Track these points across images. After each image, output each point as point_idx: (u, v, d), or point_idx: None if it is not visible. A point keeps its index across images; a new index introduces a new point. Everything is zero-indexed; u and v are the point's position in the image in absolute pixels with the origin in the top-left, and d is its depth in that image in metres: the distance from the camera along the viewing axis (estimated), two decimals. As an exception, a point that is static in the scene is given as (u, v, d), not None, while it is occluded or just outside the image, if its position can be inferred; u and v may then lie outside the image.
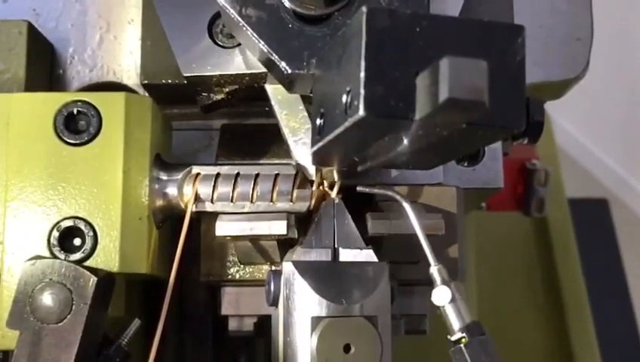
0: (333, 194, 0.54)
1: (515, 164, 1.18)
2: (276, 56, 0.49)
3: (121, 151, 0.54)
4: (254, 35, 0.49)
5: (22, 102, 0.55)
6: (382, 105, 0.38)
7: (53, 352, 0.49)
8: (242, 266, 0.59)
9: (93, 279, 0.50)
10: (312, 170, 0.53)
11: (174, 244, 0.55)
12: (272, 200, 0.55)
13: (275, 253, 0.56)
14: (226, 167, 0.56)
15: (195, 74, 0.55)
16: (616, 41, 1.95)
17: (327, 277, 0.50)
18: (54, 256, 0.52)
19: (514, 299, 1.28)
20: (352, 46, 0.40)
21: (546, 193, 1.18)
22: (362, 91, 0.38)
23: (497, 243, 1.29)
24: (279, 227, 0.53)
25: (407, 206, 0.51)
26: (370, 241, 0.55)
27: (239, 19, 0.49)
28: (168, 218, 0.57)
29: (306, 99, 0.53)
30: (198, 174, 0.56)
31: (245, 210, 0.55)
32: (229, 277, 0.58)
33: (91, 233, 0.53)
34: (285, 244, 0.57)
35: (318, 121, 0.45)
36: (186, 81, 0.56)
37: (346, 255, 0.52)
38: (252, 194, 0.55)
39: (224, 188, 0.55)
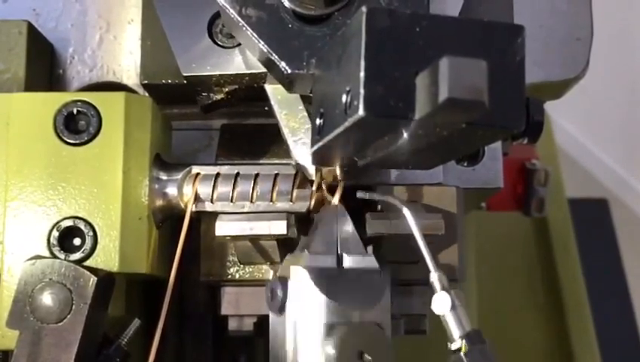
0: (335, 199, 0.54)
1: (515, 164, 1.18)
2: (276, 56, 0.49)
3: (120, 151, 0.54)
4: (254, 34, 0.49)
5: (22, 102, 0.55)
6: (381, 105, 0.38)
7: (53, 352, 0.49)
8: (242, 266, 0.59)
9: (93, 279, 0.50)
10: (311, 169, 0.53)
11: (174, 244, 0.55)
12: (271, 200, 0.55)
13: (274, 252, 0.56)
14: (226, 167, 0.56)
15: (195, 74, 0.55)
16: (616, 41, 1.95)
17: (338, 284, 0.49)
18: (54, 256, 0.52)
19: (514, 299, 1.28)
20: (351, 46, 0.40)
21: (546, 193, 1.18)
22: (362, 91, 0.38)
23: (497, 243, 1.29)
24: (279, 227, 0.53)
25: (407, 212, 0.50)
26: (370, 241, 0.55)
27: (239, 19, 0.49)
28: (168, 218, 0.57)
29: (306, 99, 0.53)
30: (197, 174, 0.56)
31: (245, 209, 0.55)
32: (229, 276, 0.58)
33: (91, 233, 0.53)
34: (285, 244, 0.57)
35: (318, 121, 0.45)
36: (185, 81, 0.56)
37: (350, 261, 0.52)
38: (252, 194, 0.55)
39: (224, 188, 0.55)
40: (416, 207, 0.57)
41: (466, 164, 0.62)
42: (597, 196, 1.97)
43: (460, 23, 0.40)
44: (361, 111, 0.38)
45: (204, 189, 0.55)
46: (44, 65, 0.63)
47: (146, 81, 0.59)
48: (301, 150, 0.53)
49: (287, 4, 0.49)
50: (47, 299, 0.50)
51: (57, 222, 0.53)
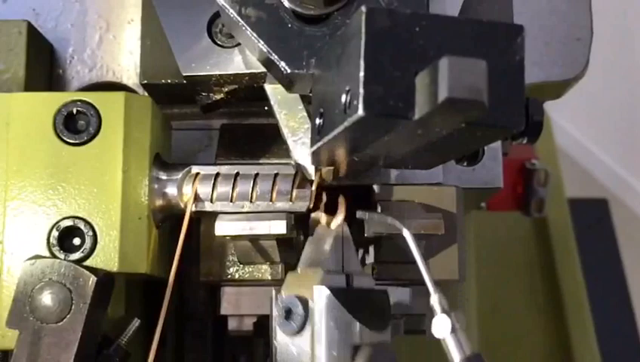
0: (338, 221, 0.53)
1: (514, 164, 1.18)
2: (276, 56, 0.49)
3: (120, 151, 0.54)
4: (254, 34, 0.49)
5: (22, 101, 0.55)
6: (381, 105, 0.38)
7: (53, 352, 0.49)
8: (242, 266, 0.59)
9: (92, 279, 0.50)
10: (311, 169, 0.53)
11: (174, 244, 0.55)
12: (271, 200, 0.55)
13: (274, 252, 0.56)
14: (226, 167, 0.56)
15: (195, 73, 0.55)
16: (616, 41, 1.95)
17: (357, 305, 0.49)
18: (54, 256, 0.52)
19: (514, 299, 1.28)
20: (351, 46, 0.40)
21: (545, 193, 1.18)
22: (361, 91, 0.38)
23: (497, 243, 1.29)
24: (279, 226, 0.53)
25: (407, 234, 0.49)
26: (370, 241, 0.55)
27: (239, 19, 0.49)
28: (168, 218, 0.57)
29: (306, 99, 0.53)
30: (197, 174, 0.56)
31: (245, 209, 0.55)
32: (229, 276, 0.58)
33: (91, 233, 0.52)
34: (285, 244, 0.57)
35: (318, 121, 0.45)
36: (185, 81, 0.56)
37: (357, 281, 0.51)
38: (252, 194, 0.55)
39: (224, 188, 0.55)
40: (416, 207, 0.57)
41: (465, 164, 0.62)
42: (597, 196, 1.97)
43: (460, 22, 0.40)
44: (360, 111, 0.38)
45: (204, 189, 0.55)
46: (43, 65, 0.63)
47: (145, 81, 0.59)
48: (301, 150, 0.53)
49: (286, 4, 0.49)
50: (46, 298, 0.50)
51: (57, 222, 0.53)
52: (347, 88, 0.39)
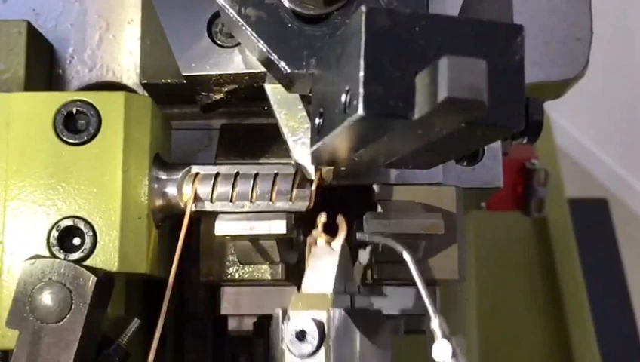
0: (340, 241, 0.53)
1: (514, 163, 1.18)
2: (275, 56, 0.49)
3: (120, 151, 0.54)
4: (253, 34, 0.49)
5: (21, 101, 0.55)
6: (381, 105, 0.38)
7: (53, 352, 0.49)
8: (242, 266, 0.58)
9: (92, 278, 0.50)
10: (311, 169, 0.53)
11: (174, 244, 0.54)
12: (271, 200, 0.55)
13: (274, 252, 0.56)
14: (226, 167, 0.56)
15: (195, 73, 0.55)
16: (617, 41, 1.95)
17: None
18: (54, 256, 0.52)
19: (514, 299, 1.28)
20: (351, 45, 0.40)
21: (545, 193, 1.18)
22: (361, 91, 0.38)
23: (497, 243, 1.29)
24: (279, 226, 0.53)
25: (407, 257, 0.49)
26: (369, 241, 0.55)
27: (238, 18, 0.49)
28: (168, 217, 0.57)
29: (305, 99, 0.53)
30: (197, 174, 0.56)
31: (245, 209, 0.55)
32: (229, 276, 0.58)
33: (91, 232, 0.52)
34: (285, 244, 0.57)
35: (317, 121, 0.45)
36: (185, 81, 0.56)
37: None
38: (251, 194, 0.55)
39: (223, 188, 0.55)
40: (416, 207, 0.57)
41: (465, 164, 0.62)
42: (597, 196, 1.97)
43: (460, 22, 0.40)
44: (360, 111, 0.38)
45: (204, 189, 0.55)
46: (43, 65, 0.63)
47: (145, 81, 0.59)
48: (301, 150, 0.53)
49: (286, 3, 0.49)
50: (46, 298, 0.50)
51: (57, 222, 0.53)
52: (347, 88, 0.39)
